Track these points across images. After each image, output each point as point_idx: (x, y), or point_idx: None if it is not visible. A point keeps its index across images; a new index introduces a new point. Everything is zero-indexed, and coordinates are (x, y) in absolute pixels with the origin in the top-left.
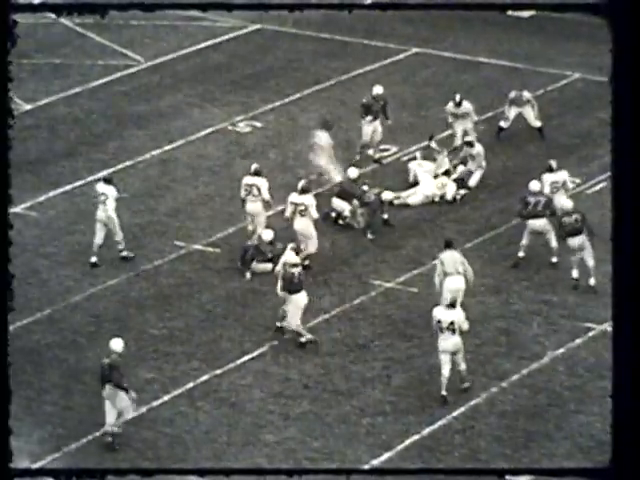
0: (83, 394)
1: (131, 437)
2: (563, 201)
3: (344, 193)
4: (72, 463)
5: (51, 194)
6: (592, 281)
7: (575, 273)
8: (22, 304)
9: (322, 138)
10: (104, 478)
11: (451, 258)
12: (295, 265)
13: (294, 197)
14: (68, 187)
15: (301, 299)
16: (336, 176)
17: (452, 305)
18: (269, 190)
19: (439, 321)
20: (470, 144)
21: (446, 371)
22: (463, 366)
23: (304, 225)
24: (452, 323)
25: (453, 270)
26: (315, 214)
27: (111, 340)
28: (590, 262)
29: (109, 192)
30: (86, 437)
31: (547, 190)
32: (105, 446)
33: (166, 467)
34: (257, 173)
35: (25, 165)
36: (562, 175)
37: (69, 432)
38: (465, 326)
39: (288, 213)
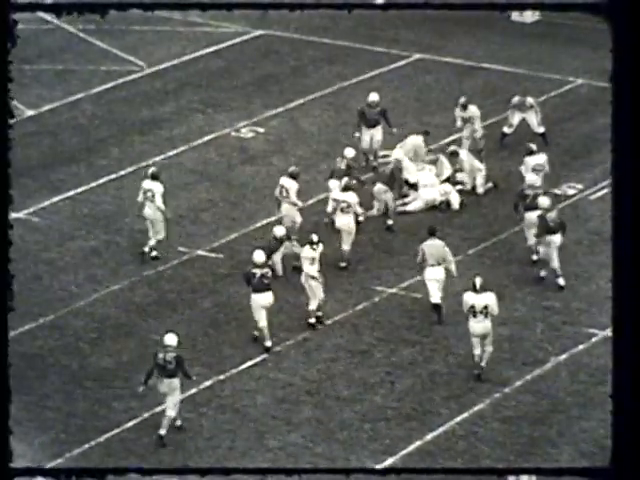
0: (85, 399)
1: (134, 443)
2: (541, 199)
3: (350, 175)
4: None
5: (53, 200)
6: (561, 281)
7: (543, 272)
8: (24, 309)
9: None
10: (104, 478)
11: (434, 247)
12: (259, 266)
13: (336, 194)
14: (70, 193)
15: (257, 299)
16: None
17: (483, 289)
18: (297, 193)
19: (472, 306)
20: (454, 153)
21: (478, 351)
22: (490, 348)
23: (346, 222)
24: (486, 307)
25: (434, 261)
26: (360, 211)
27: (165, 336)
28: (556, 263)
29: (156, 188)
30: (88, 442)
31: (530, 172)
32: (177, 428)
33: (165, 467)
34: (291, 175)
35: (27, 171)
36: (542, 157)
37: (71, 437)
38: (496, 309)
39: (330, 209)
